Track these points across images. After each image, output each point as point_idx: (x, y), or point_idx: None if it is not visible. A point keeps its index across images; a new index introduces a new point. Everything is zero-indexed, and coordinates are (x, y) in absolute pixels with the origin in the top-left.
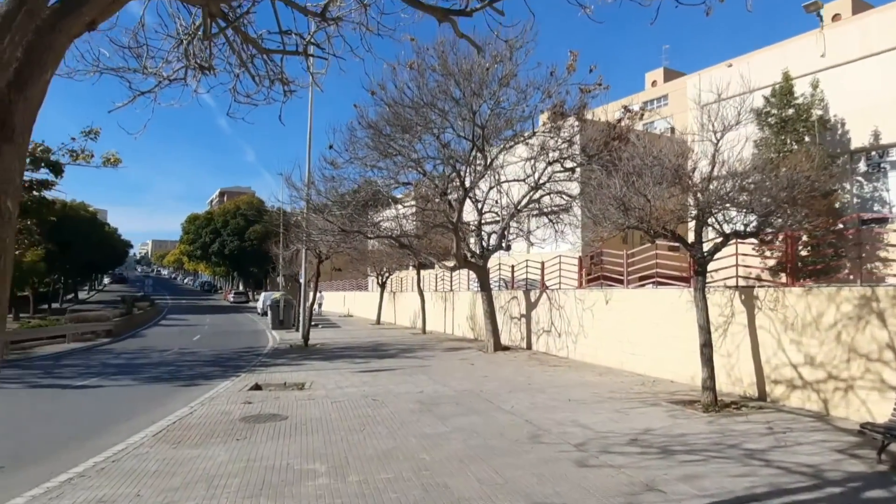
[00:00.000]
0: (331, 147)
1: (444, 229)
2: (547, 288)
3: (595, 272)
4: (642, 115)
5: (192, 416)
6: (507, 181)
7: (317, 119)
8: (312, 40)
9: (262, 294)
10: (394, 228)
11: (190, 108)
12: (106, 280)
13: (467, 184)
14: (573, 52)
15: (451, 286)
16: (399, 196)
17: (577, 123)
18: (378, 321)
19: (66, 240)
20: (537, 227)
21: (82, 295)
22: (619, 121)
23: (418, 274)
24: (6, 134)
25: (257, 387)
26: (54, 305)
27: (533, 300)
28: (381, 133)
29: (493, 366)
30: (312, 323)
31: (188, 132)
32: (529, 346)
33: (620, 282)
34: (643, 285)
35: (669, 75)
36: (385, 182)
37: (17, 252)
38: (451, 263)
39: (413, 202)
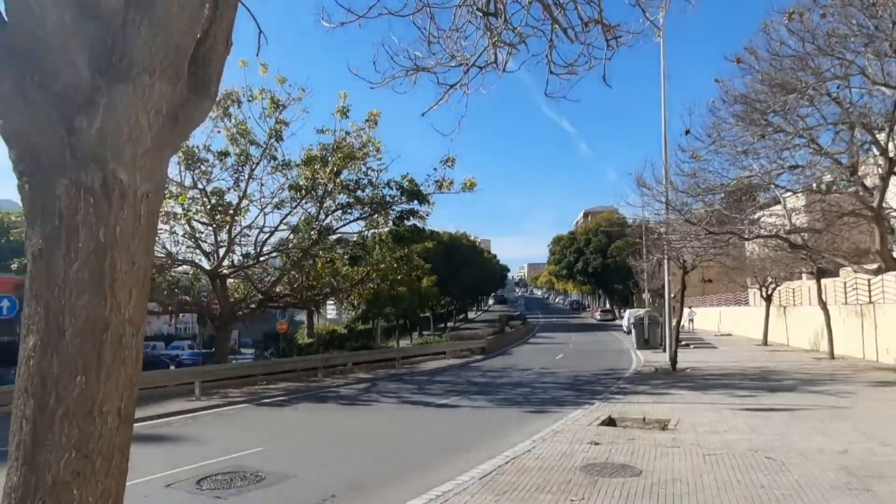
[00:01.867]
0: (687, 132)
1: (858, 220)
2: None
3: None
4: None
5: (529, 456)
6: None
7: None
8: None
9: (627, 311)
10: (780, 225)
11: (548, 137)
12: (490, 301)
13: (892, 152)
14: None
15: (871, 296)
16: (784, 184)
17: None
18: (765, 342)
19: (453, 266)
20: None
21: (471, 315)
22: None
23: (818, 282)
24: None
25: (610, 421)
26: (449, 324)
27: None
28: (754, 107)
29: None
30: (681, 343)
31: (555, 163)
32: None
33: None
34: None
35: None
36: (764, 170)
37: (412, 275)
38: (871, 266)
39: (804, 189)
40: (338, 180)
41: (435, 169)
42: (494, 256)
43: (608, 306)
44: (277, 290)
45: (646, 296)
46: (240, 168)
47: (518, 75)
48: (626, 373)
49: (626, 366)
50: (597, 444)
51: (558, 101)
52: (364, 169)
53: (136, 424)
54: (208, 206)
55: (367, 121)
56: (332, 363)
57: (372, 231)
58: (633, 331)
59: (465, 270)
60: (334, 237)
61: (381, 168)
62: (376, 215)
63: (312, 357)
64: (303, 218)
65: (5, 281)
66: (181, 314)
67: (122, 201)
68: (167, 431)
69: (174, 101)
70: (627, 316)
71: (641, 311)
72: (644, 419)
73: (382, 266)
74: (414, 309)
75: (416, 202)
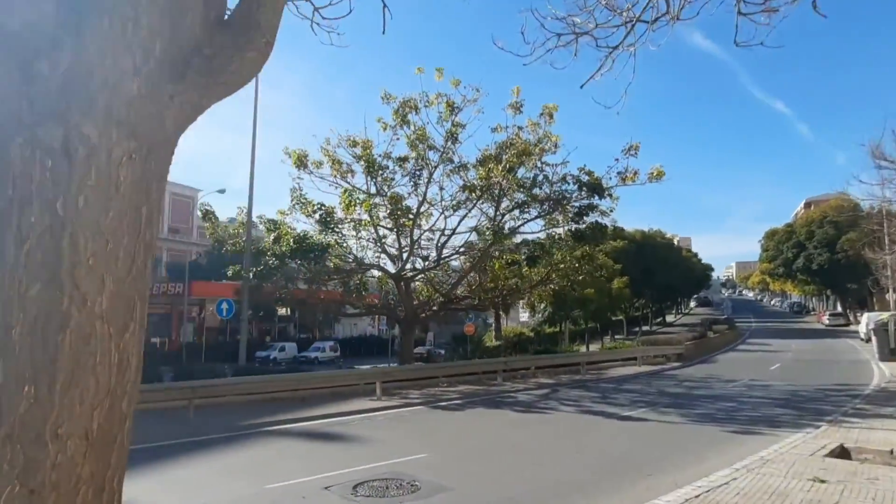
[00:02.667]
0: None
1: None
2: None
3: None
4: None
5: (728, 490)
6: None
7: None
8: None
9: (865, 315)
10: None
11: (757, 121)
12: (692, 304)
13: None
14: None
15: None
16: None
17: None
18: None
19: (646, 266)
20: None
21: (669, 318)
22: None
23: None
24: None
25: (842, 452)
26: (644, 328)
27: None
28: None
29: None
30: None
31: (765, 150)
32: None
33: None
34: None
35: None
36: None
37: (598, 276)
38: None
39: None
40: (511, 177)
41: (616, 160)
42: (695, 255)
43: (839, 309)
44: (458, 292)
45: (891, 296)
46: (417, 172)
47: (720, 57)
48: (866, 389)
49: (866, 381)
50: (822, 481)
51: (768, 80)
52: (539, 165)
53: (314, 422)
54: (389, 211)
55: (541, 114)
56: (511, 367)
57: (551, 230)
58: (873, 338)
59: (661, 270)
60: (512, 237)
61: (559, 163)
62: (555, 213)
63: (492, 360)
64: (480, 219)
65: (227, 287)
66: (370, 316)
67: (88, 163)
68: (341, 430)
69: (180, 43)
70: (866, 320)
71: (885, 315)
72: (892, 452)
73: (562, 266)
74: (604, 311)
75: (596, 197)
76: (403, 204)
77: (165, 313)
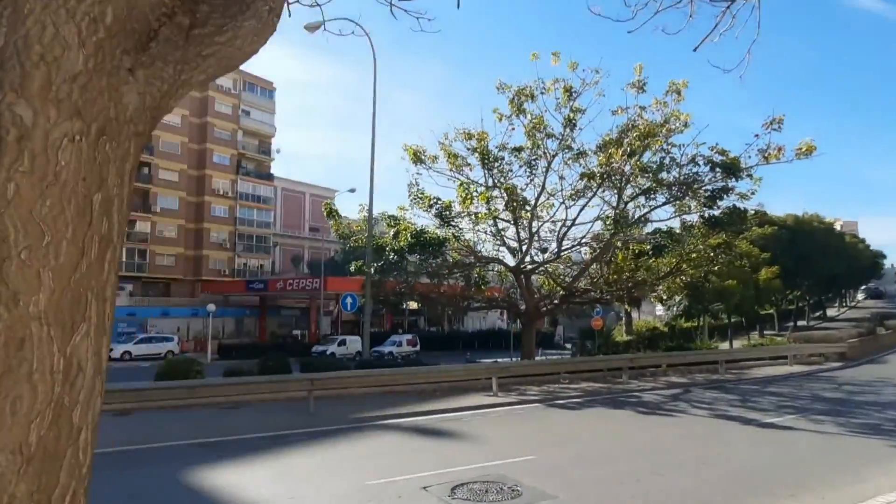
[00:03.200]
0: None
1: None
2: None
3: None
4: None
5: None
6: None
7: None
8: None
9: None
10: None
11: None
12: (859, 296)
13: None
14: None
15: None
16: None
17: None
18: None
19: (801, 254)
20: None
21: (830, 312)
22: None
23: None
24: None
25: None
26: (800, 322)
27: None
28: None
29: None
30: None
31: None
32: None
33: None
34: None
35: None
36: None
37: (738, 265)
38: None
39: None
40: (633, 161)
41: (756, 136)
42: (861, 241)
43: None
44: (580, 285)
45: None
46: (534, 162)
47: (881, 12)
48: None
49: None
50: None
51: None
52: (665, 147)
53: (426, 417)
54: (505, 202)
55: (668, 91)
56: (638, 364)
57: (682, 216)
58: None
59: (819, 259)
60: (639, 226)
61: (688, 143)
62: (686, 198)
63: (616, 357)
64: (603, 208)
65: (357, 282)
66: (492, 310)
67: (19, 147)
68: (451, 427)
69: (140, 8)
70: None
71: None
72: None
73: (694, 255)
74: (750, 305)
75: (732, 179)
76: (520, 195)
77: (305, 307)
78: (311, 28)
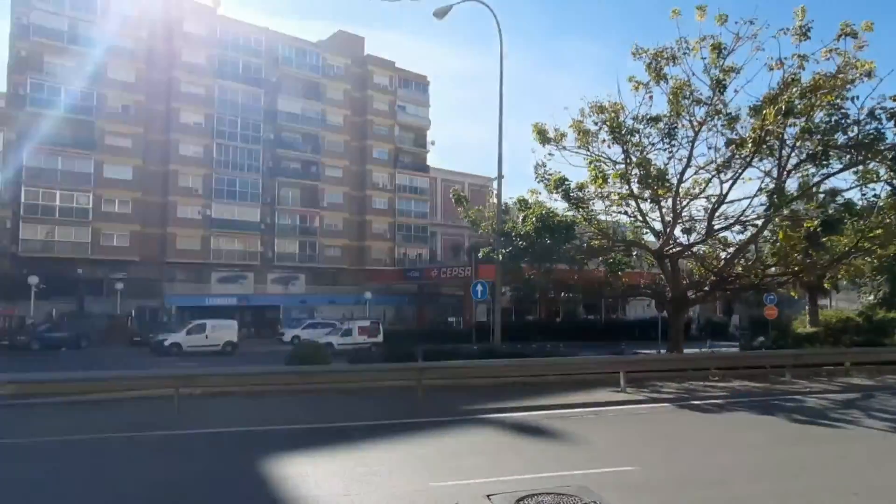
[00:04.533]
0: None
1: None
2: None
3: None
4: None
5: None
6: None
7: None
8: None
9: None
10: None
11: None
12: None
13: None
14: None
15: None
16: None
17: None
18: None
19: None
20: None
21: None
22: None
23: None
24: None
25: None
26: None
27: None
28: None
29: None
30: None
31: None
32: None
33: None
34: None
35: None
36: None
37: None
38: None
39: None
40: (791, 121)
41: None
42: None
43: None
44: (737, 270)
45: None
46: (673, 132)
47: None
48: None
49: None
50: None
51: None
52: (837, 101)
53: (533, 412)
54: (639, 179)
55: (839, 36)
56: (803, 362)
57: (865, 185)
58: None
59: None
60: (807, 199)
61: (867, 96)
62: (867, 163)
63: (774, 353)
64: (764, 180)
65: (488, 269)
66: (632, 298)
67: None
68: (556, 426)
69: None
70: None
71: None
72: None
73: (879, 231)
74: None
75: None
76: (656, 170)
77: (461, 294)
78: (440, 14)
